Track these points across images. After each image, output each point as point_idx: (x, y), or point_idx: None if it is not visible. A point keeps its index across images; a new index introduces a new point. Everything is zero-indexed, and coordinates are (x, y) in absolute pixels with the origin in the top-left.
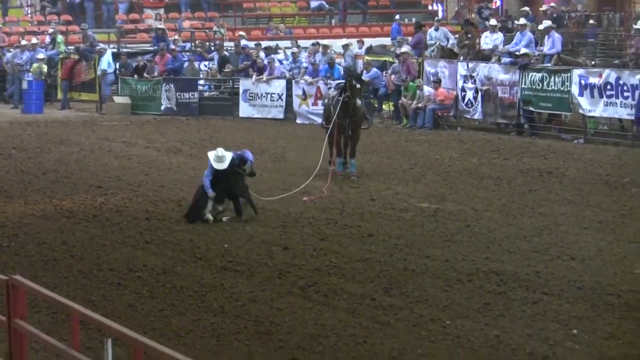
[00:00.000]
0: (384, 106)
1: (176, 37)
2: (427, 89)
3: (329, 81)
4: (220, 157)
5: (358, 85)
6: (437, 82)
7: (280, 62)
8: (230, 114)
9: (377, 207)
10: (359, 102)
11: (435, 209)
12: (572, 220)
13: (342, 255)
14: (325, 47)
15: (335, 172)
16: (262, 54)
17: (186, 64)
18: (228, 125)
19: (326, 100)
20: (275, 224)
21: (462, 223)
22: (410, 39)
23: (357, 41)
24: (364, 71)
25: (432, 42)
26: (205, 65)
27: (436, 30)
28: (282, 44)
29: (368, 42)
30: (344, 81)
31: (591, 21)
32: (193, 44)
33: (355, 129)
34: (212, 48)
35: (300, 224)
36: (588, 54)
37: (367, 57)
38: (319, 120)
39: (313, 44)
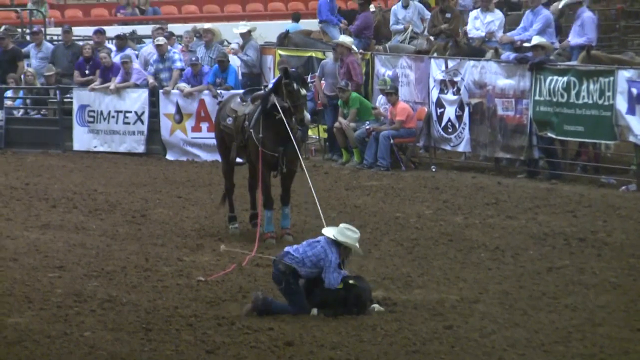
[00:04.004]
0: (310, 131)
1: None
2: (380, 103)
3: (220, 91)
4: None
5: (303, 91)
6: (393, 93)
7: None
8: (57, 146)
9: None
10: (307, 116)
11: (394, 301)
12: (619, 317)
13: None
14: (210, 34)
15: (263, 234)
16: (108, 48)
17: None
18: (54, 164)
19: (229, 121)
20: (134, 326)
21: (438, 322)
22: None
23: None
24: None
25: (398, 26)
26: None
27: (405, 6)
28: (141, 29)
29: (282, 26)
30: (264, 88)
31: None
32: None
33: (292, 161)
34: (28, 37)
35: (175, 327)
36: None
37: (280, 51)
38: (205, 155)
39: (192, 31)
